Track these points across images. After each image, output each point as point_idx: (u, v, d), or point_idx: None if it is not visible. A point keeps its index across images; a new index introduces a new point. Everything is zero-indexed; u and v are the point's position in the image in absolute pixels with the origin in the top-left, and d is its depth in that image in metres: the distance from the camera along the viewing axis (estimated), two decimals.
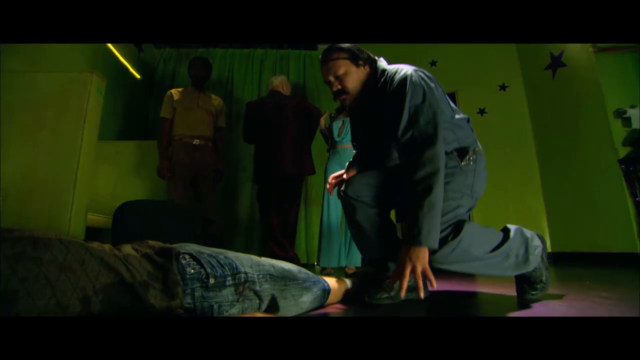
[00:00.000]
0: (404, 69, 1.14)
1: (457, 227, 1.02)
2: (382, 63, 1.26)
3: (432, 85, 1.11)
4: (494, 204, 3.20)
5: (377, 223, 1.24)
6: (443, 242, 0.99)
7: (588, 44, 2.56)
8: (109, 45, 2.99)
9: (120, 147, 2.71)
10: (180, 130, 2.57)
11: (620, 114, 2.40)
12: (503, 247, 1.05)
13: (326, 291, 1.08)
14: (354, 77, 1.22)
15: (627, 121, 2.39)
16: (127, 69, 3.31)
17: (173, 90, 2.70)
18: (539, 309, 0.98)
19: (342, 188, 1.27)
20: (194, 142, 2.57)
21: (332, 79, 1.23)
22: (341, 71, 1.21)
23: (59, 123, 1.57)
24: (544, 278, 1.13)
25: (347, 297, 1.21)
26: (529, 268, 1.08)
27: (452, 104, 1.22)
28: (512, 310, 1.01)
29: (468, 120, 1.23)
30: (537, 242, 1.14)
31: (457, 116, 1.18)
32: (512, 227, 1.12)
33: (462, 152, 1.16)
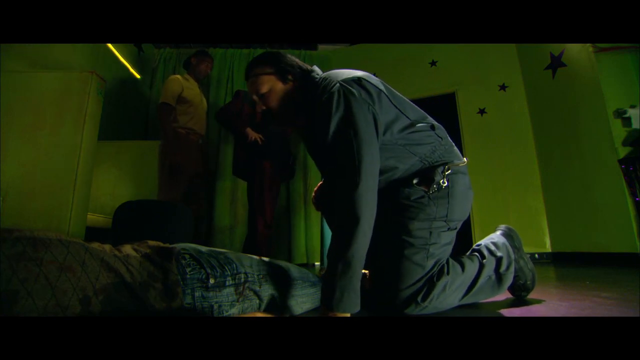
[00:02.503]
0: (331, 82, 0.93)
1: (429, 283, 0.94)
2: (315, 74, 1.05)
3: (368, 99, 0.91)
4: (494, 204, 3.20)
5: None
6: (412, 299, 0.93)
7: (588, 44, 2.55)
8: (109, 45, 2.99)
9: (120, 147, 2.71)
10: (189, 124, 2.44)
11: (620, 114, 2.40)
12: (476, 287, 1.00)
13: None
14: (279, 95, 1.02)
15: (627, 121, 2.38)
16: (127, 69, 3.31)
17: (180, 77, 2.52)
18: (539, 309, 0.98)
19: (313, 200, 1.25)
20: (198, 140, 2.54)
21: (255, 98, 1.04)
22: (264, 89, 1.02)
23: (59, 123, 1.57)
24: (528, 275, 1.10)
25: None
26: (504, 288, 1.05)
27: (410, 108, 1.02)
28: (512, 310, 1.01)
29: (433, 128, 1.03)
30: (508, 254, 1.06)
31: (418, 125, 1.00)
32: (487, 252, 1.05)
33: (426, 177, 1.00)
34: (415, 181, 0.99)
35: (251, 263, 0.89)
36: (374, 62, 3.61)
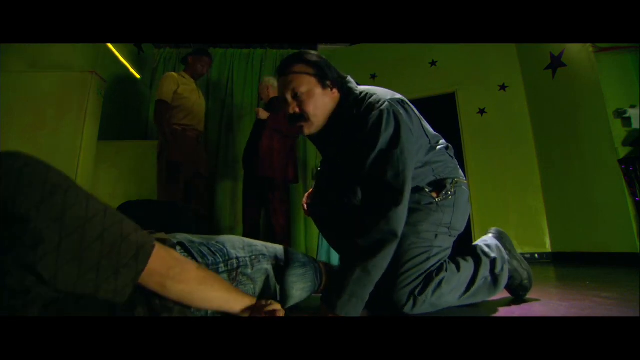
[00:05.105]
0: (379, 99, 0.94)
1: (427, 279, 0.96)
2: (353, 85, 1.03)
3: (409, 122, 0.95)
4: (494, 204, 3.20)
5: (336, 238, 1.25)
6: (411, 294, 0.94)
7: (588, 44, 2.55)
8: (109, 45, 2.99)
9: (120, 147, 2.71)
10: (186, 121, 2.38)
11: (620, 114, 2.40)
12: (474, 288, 1.01)
13: (318, 270, 1.09)
14: (317, 101, 0.96)
15: (627, 121, 2.38)
16: (127, 69, 3.31)
17: (175, 74, 2.48)
18: (539, 309, 0.98)
19: (306, 207, 1.28)
20: (197, 138, 2.52)
21: (289, 97, 0.96)
22: (302, 89, 0.95)
23: (59, 123, 1.57)
24: (523, 274, 1.11)
25: None
26: (500, 288, 1.06)
27: (430, 130, 1.08)
28: (512, 310, 1.01)
29: (447, 148, 1.11)
30: (501, 255, 1.08)
31: (438, 147, 1.08)
32: (481, 253, 1.06)
33: (438, 185, 1.05)
34: (428, 189, 1.04)
35: (243, 245, 0.89)
36: (374, 62, 3.61)
